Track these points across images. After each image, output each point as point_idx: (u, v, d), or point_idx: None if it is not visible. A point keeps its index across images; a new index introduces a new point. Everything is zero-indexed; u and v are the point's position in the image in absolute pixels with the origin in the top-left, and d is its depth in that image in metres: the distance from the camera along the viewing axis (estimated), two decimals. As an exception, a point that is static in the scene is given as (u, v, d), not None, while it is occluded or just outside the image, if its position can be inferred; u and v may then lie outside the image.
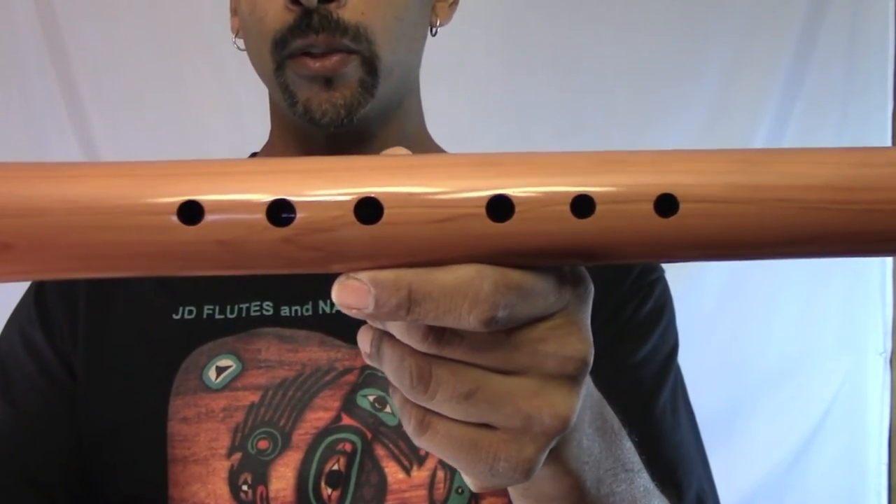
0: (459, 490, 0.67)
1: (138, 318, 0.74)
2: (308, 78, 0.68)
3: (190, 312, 0.73)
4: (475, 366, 0.35)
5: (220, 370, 0.70)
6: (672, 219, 0.32)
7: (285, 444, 0.67)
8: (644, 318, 0.75)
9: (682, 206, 0.32)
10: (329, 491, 0.66)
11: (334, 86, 0.68)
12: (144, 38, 1.76)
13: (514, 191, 0.33)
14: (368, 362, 0.37)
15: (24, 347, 0.74)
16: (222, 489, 0.66)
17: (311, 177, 0.33)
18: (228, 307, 0.73)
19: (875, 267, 1.88)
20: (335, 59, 0.67)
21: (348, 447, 0.67)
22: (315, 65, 0.67)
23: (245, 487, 0.66)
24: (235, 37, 0.77)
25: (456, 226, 0.32)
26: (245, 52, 0.76)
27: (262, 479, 0.66)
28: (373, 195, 0.32)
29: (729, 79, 1.83)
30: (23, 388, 0.73)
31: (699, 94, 1.82)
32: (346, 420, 0.69)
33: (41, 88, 1.74)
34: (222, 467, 0.67)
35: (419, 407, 0.36)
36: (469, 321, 0.32)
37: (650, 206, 0.32)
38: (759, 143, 1.83)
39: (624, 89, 1.80)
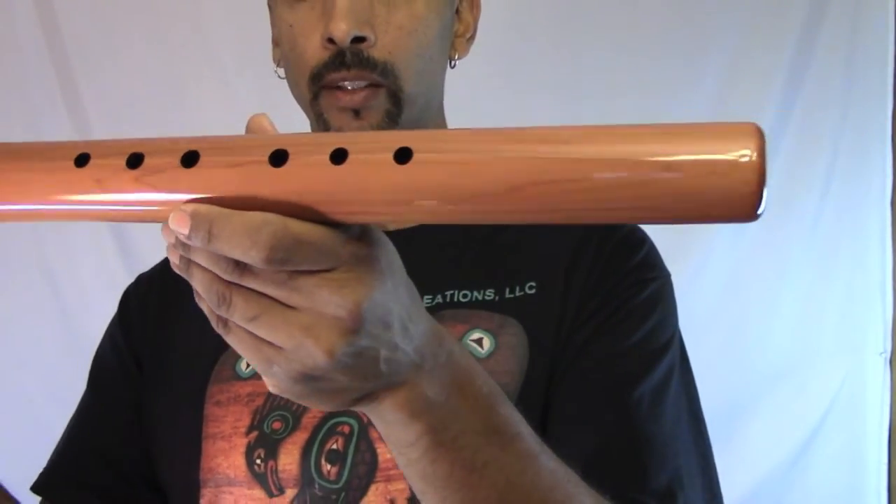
0: None
1: (190, 322, 0.80)
2: (340, 108, 0.77)
3: None
4: (265, 297, 0.44)
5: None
6: (408, 165, 0.41)
7: (295, 425, 0.76)
8: (633, 310, 0.77)
9: (415, 155, 0.41)
10: (328, 467, 0.74)
11: (362, 115, 0.77)
12: (144, 39, 1.77)
13: (290, 146, 0.43)
14: (175, 263, 0.47)
15: (111, 345, 0.89)
16: (240, 462, 0.76)
17: (164, 141, 0.45)
18: None
19: (875, 266, 1.88)
20: (363, 93, 0.76)
21: (346, 429, 0.75)
22: (346, 98, 0.76)
23: (258, 461, 0.76)
24: (277, 66, 0.86)
25: (245, 170, 0.43)
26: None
27: (272, 454, 0.75)
28: (194, 148, 0.44)
29: (728, 78, 1.83)
30: (104, 379, 0.89)
31: (699, 94, 1.83)
32: None
33: (41, 88, 1.75)
34: (241, 443, 0.77)
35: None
36: (252, 258, 0.42)
37: (390, 156, 0.41)
38: (758, 142, 1.83)
39: (623, 90, 1.80)
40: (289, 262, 0.42)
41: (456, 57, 0.87)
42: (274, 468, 0.75)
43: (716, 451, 0.80)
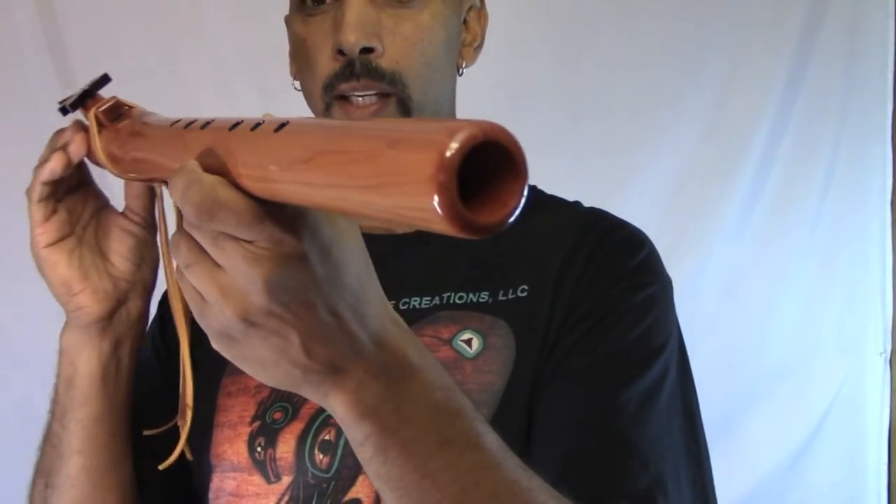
0: None
1: None
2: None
3: None
4: (203, 251, 0.48)
5: None
6: (278, 133, 0.45)
7: (294, 415, 0.80)
8: (626, 313, 0.77)
9: (286, 126, 0.45)
10: (321, 456, 0.78)
11: None
12: (144, 39, 1.77)
13: (244, 120, 0.49)
14: None
15: (150, 340, 0.93)
16: (242, 449, 0.81)
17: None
18: None
19: (875, 267, 1.88)
20: (374, 107, 0.81)
21: None
22: (357, 112, 0.81)
23: (259, 449, 0.80)
24: (294, 80, 0.90)
25: (215, 133, 0.50)
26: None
27: (271, 443, 0.80)
28: (200, 120, 0.54)
29: (729, 79, 1.83)
30: (143, 370, 0.91)
31: (699, 93, 1.83)
32: None
33: (41, 88, 1.75)
34: (245, 432, 0.81)
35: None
36: (184, 210, 0.46)
37: (274, 127, 0.45)
38: (759, 142, 1.84)
39: (624, 87, 1.80)
40: (213, 223, 0.46)
41: (464, 65, 0.90)
42: (272, 456, 0.79)
43: (716, 451, 0.79)
